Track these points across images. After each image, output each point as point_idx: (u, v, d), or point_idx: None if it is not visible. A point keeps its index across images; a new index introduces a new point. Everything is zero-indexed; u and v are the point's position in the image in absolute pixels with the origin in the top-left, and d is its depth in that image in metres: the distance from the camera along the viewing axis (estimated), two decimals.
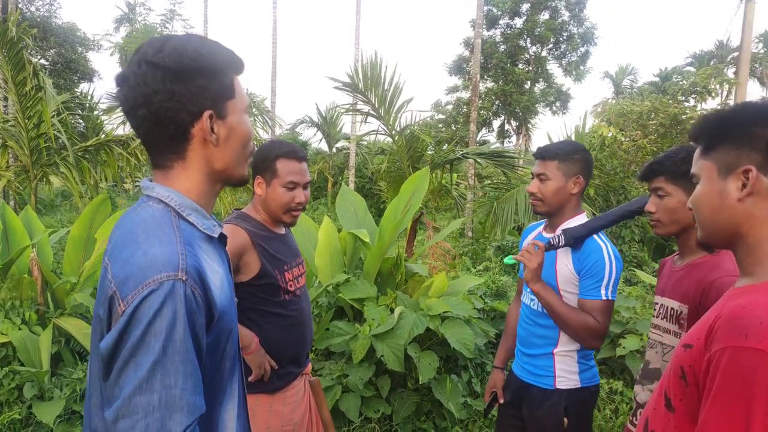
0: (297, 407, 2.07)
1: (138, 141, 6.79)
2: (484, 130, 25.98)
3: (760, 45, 30.08)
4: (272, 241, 2.03)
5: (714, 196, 1.06)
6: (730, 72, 22.69)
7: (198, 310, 0.94)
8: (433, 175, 8.98)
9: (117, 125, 8.93)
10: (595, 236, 2.02)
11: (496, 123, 26.80)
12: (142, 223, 0.99)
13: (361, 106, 6.59)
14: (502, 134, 26.82)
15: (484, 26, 24.44)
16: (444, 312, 3.39)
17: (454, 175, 12.50)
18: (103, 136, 8.26)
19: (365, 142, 16.50)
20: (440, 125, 27.89)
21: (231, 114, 1.07)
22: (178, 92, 0.99)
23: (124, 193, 20.15)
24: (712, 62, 28.22)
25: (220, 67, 1.04)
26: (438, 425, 3.34)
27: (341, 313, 3.89)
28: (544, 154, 2.09)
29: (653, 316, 1.82)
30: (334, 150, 19.26)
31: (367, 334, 3.26)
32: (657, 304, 1.81)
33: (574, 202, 2.10)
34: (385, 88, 6.15)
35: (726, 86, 9.92)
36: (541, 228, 2.26)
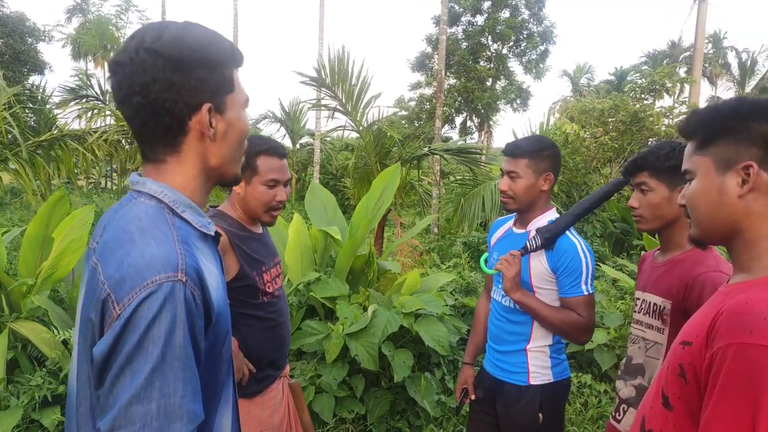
0: (276, 411, 2.01)
1: (96, 135, 6.54)
2: (446, 127, 26.15)
3: (710, 45, 31.23)
4: (250, 242, 1.96)
5: (713, 193, 1.05)
6: (681, 71, 23.47)
7: (197, 313, 0.89)
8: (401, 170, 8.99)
9: (72, 119, 8.61)
10: (567, 233, 2.03)
11: (459, 120, 27.03)
12: (137, 220, 0.93)
13: (327, 101, 6.50)
14: (464, 131, 27.07)
15: (446, 23, 24.55)
16: (417, 309, 3.37)
17: (418, 171, 12.56)
18: (56, 130, 7.92)
19: (329, 138, 16.39)
20: (403, 121, 27.93)
21: (230, 108, 1.02)
22: (178, 82, 0.94)
23: (77, 190, 19.46)
24: (665, 62, 29.13)
25: (222, 59, 1.00)
26: (412, 423, 3.32)
27: (312, 312, 3.83)
28: (514, 152, 2.08)
29: (635, 312, 1.83)
30: (297, 146, 19.03)
31: (340, 333, 3.21)
32: (638, 299, 1.82)
33: (544, 199, 2.11)
34: (353, 83, 6.08)
35: (679, 84, 10.23)
36: (510, 223, 2.26)
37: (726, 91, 32.86)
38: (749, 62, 31.25)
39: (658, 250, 1.85)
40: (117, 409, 0.81)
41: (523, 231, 2.14)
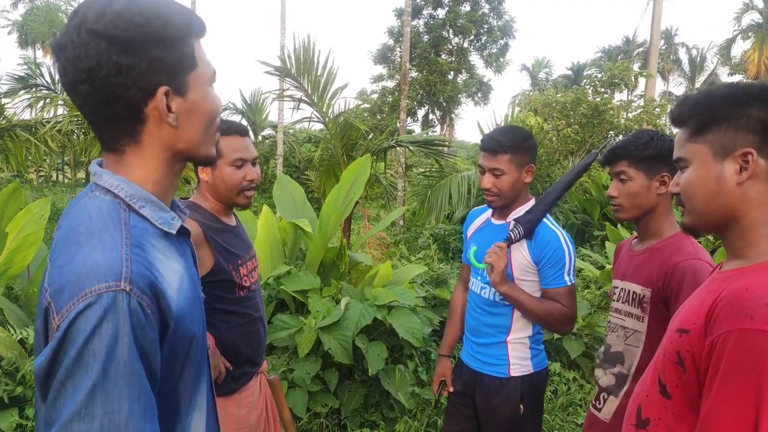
0: (253, 408, 1.95)
1: (48, 126, 6.25)
2: (409, 120, 26.19)
3: (662, 42, 32.24)
4: (225, 234, 1.89)
5: (710, 181, 1.03)
6: (635, 66, 24.13)
7: (148, 323, 0.81)
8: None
9: (21, 109, 8.21)
10: (548, 223, 2.03)
11: (421, 113, 27.11)
12: (87, 219, 0.86)
13: (292, 92, 6.38)
14: (427, 124, 27.18)
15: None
16: (390, 301, 3.34)
17: (384, 164, 12.49)
18: (4, 121, 7.54)
19: (292, 131, 16.17)
20: (366, 114, 27.77)
21: (193, 88, 0.92)
22: (127, 65, 0.84)
23: (27, 184, 18.65)
24: (619, 57, 29.92)
25: (178, 33, 0.88)
26: (386, 416, 3.30)
27: (283, 306, 3.76)
28: (495, 148, 2.02)
29: (613, 300, 1.85)
30: (260, 138, 18.72)
31: (312, 327, 3.16)
32: (617, 288, 1.84)
33: (525, 191, 2.10)
34: (319, 73, 5.98)
35: (636, 79, 10.52)
36: (488, 214, 2.23)
37: (677, 86, 34.05)
38: (699, 58, 32.44)
39: (635, 238, 1.86)
40: (58, 426, 0.76)
41: (502, 222, 2.12)
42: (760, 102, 1.00)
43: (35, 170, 19.65)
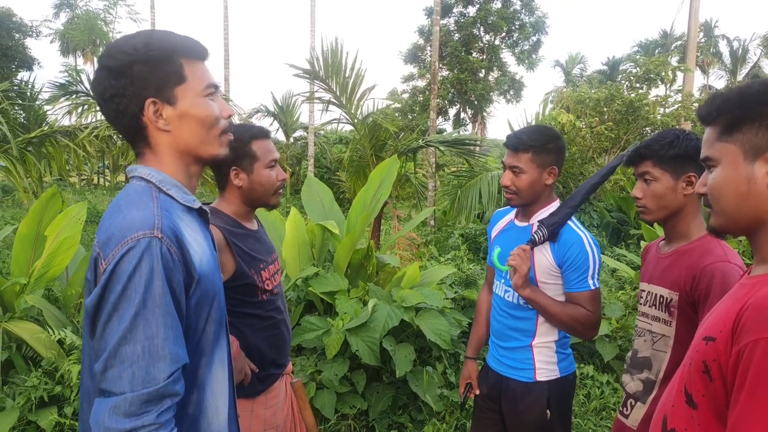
0: (279, 410, 1.97)
1: (86, 131, 6.46)
2: (440, 119, 26.08)
3: (701, 34, 31.26)
4: (247, 239, 1.91)
5: (741, 182, 0.99)
6: (674, 60, 23.47)
7: (175, 267, 1.01)
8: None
9: (62, 116, 8.48)
10: (572, 225, 1.98)
11: (452, 111, 26.95)
12: (125, 195, 1.09)
13: (321, 94, 6.43)
14: (458, 123, 27.01)
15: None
16: (418, 303, 3.33)
17: (414, 164, 12.46)
18: (46, 127, 7.80)
19: (323, 132, 16.30)
20: (397, 114, 27.78)
21: (182, 99, 1.12)
22: (122, 86, 1.07)
23: (69, 187, 19.26)
24: (657, 51, 29.15)
25: (161, 55, 1.09)
26: (414, 418, 3.29)
27: (311, 308, 3.78)
28: (517, 146, 1.99)
29: (640, 304, 1.79)
30: (291, 140, 18.91)
31: (340, 329, 3.17)
32: (644, 291, 1.78)
33: (548, 192, 2.05)
34: (347, 75, 6.00)
35: (674, 73, 10.22)
36: (512, 215, 2.20)
37: (718, 80, 32.94)
38: (740, 50, 31.33)
39: (663, 240, 1.80)
40: (107, 351, 0.94)
41: (525, 224, 2.09)
42: None
43: (77, 174, 20.28)
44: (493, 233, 2.28)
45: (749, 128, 0.99)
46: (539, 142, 1.98)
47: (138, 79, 1.07)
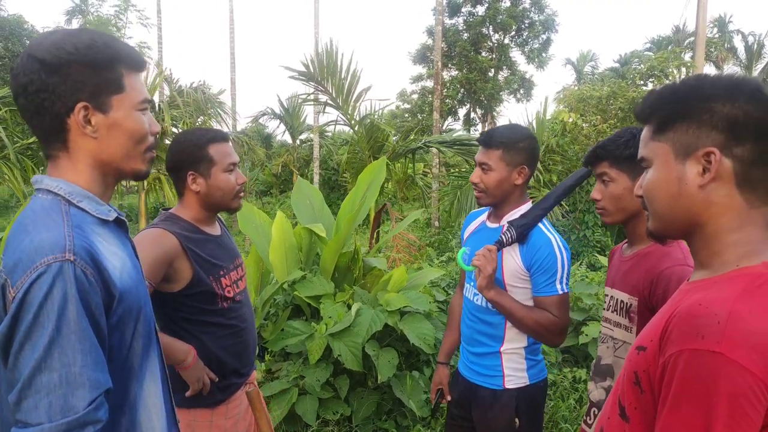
0: (240, 420, 1.93)
1: None
2: (450, 119, 25.98)
3: (715, 29, 30.78)
4: (206, 244, 1.87)
5: (672, 183, 0.94)
6: (687, 56, 23.12)
7: (91, 289, 0.97)
8: (399, 164, 8.87)
9: None
10: (541, 227, 1.92)
11: (462, 111, 26.84)
12: (31, 213, 1.02)
13: (319, 96, 6.40)
14: (468, 123, 26.89)
15: (446, 14, 24.37)
16: (403, 307, 3.28)
17: (420, 165, 12.35)
18: None
19: (330, 134, 16.30)
20: (406, 115, 27.73)
21: (116, 109, 1.09)
22: (53, 84, 1.02)
23: None
24: (669, 47, 28.74)
25: (103, 61, 1.06)
26: (400, 424, 3.24)
27: (299, 312, 3.75)
28: (488, 143, 1.95)
29: (604, 309, 1.73)
30: (297, 142, 18.93)
31: (323, 333, 3.13)
32: (607, 296, 1.72)
33: (518, 193, 1.99)
34: (342, 76, 5.97)
35: (683, 69, 10.03)
36: (484, 216, 2.15)
37: None
38: (756, 45, 30.78)
39: (626, 243, 1.74)
40: (22, 381, 0.91)
41: (496, 225, 2.04)
42: (726, 96, 0.90)
43: None
44: (466, 234, 2.24)
45: (680, 126, 0.93)
46: (510, 140, 1.94)
47: (73, 80, 1.03)
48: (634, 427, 0.93)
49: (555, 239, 1.91)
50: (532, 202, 2.03)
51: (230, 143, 1.94)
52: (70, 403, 0.91)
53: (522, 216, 1.94)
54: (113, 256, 1.06)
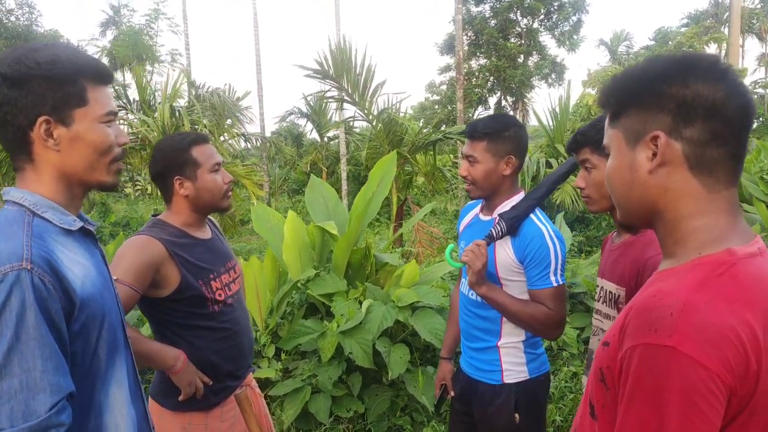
0: (236, 422, 1.94)
1: None
2: (480, 108, 25.66)
3: (757, 0, 29.41)
4: (194, 249, 1.88)
5: (624, 170, 0.91)
6: (726, 30, 22.14)
7: (50, 296, 0.99)
8: (427, 157, 8.78)
9: None
10: (533, 218, 1.86)
11: (492, 100, 26.48)
12: None
13: (336, 92, 6.40)
14: (500, 111, 26.50)
15: (473, 2, 24.04)
16: (415, 302, 3.25)
17: (449, 156, 12.21)
18: None
19: (357, 129, 16.32)
20: (436, 106, 27.52)
21: (79, 122, 1.10)
22: (15, 97, 1.04)
23: (125, 198, 20.08)
24: (708, 21, 27.63)
25: (65, 76, 1.07)
26: (415, 420, 3.22)
27: (315, 310, 3.76)
28: (472, 134, 1.91)
29: (595, 301, 1.67)
30: (325, 139, 19.03)
31: (334, 331, 3.13)
32: (598, 286, 1.66)
33: (508, 184, 1.94)
34: (357, 72, 5.95)
35: (712, 45, 9.58)
36: (477, 209, 2.10)
37: None
38: None
39: (616, 232, 1.67)
40: None
41: (489, 218, 1.99)
42: (678, 77, 0.85)
43: (131, 185, 21.10)
44: (461, 228, 2.20)
45: (631, 111, 0.90)
46: (494, 130, 1.89)
47: (34, 94, 1.05)
48: (603, 426, 0.88)
49: (547, 230, 1.84)
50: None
51: (211, 144, 1.95)
52: (32, 407, 0.93)
53: (513, 208, 1.89)
54: (75, 264, 1.08)
